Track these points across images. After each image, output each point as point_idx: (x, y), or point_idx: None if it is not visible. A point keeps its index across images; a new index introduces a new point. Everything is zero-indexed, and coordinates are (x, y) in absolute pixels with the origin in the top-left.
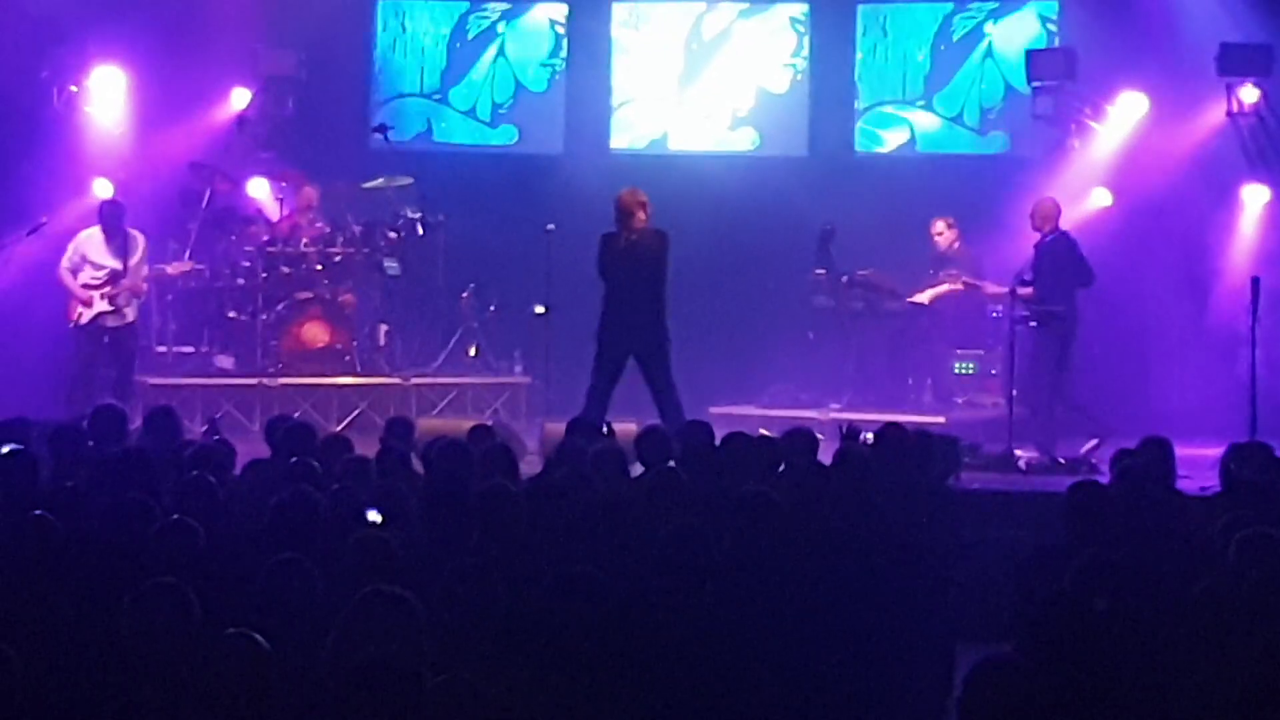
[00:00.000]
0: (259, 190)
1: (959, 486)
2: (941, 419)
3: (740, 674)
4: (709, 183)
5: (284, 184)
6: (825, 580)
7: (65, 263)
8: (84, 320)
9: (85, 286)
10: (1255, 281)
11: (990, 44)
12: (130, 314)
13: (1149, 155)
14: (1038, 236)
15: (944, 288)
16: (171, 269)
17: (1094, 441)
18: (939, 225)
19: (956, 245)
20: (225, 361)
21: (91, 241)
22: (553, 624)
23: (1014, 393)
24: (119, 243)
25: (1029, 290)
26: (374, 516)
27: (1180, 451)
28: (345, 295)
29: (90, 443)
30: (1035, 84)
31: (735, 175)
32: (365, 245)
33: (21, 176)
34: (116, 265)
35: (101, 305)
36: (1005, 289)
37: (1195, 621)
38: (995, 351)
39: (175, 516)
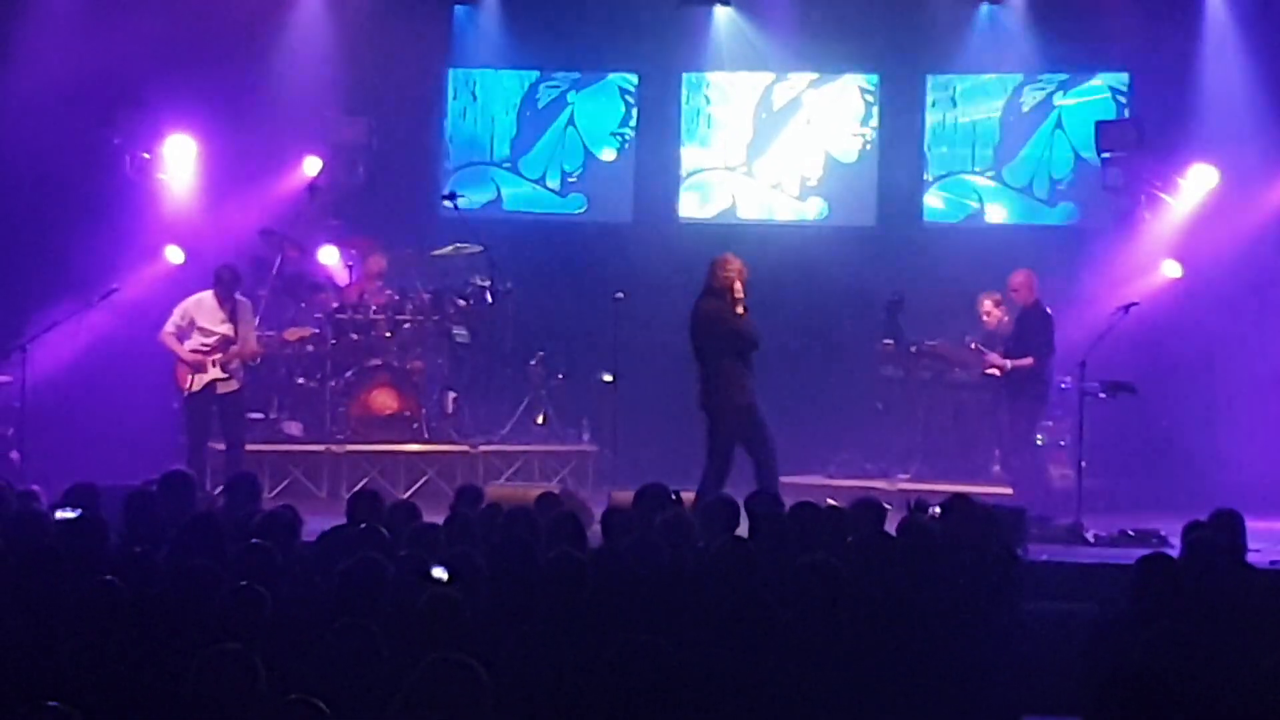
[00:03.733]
0: (329, 257)
1: (1026, 558)
2: (1009, 490)
3: None
4: (778, 252)
5: (353, 251)
6: (891, 651)
7: (170, 327)
8: (196, 388)
9: (194, 352)
10: None
11: (1060, 115)
12: (239, 381)
13: (1219, 227)
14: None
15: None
16: (289, 334)
17: None
18: (987, 304)
19: (1007, 321)
20: (293, 428)
21: (203, 307)
22: (619, 693)
23: (1082, 464)
24: (230, 308)
25: (1028, 361)
26: (439, 573)
27: (1251, 524)
28: (414, 362)
29: (159, 508)
30: (1105, 155)
31: (804, 244)
32: (434, 313)
33: (93, 242)
34: (228, 331)
35: (215, 372)
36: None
37: (1265, 697)
38: (1064, 423)
39: (242, 583)
